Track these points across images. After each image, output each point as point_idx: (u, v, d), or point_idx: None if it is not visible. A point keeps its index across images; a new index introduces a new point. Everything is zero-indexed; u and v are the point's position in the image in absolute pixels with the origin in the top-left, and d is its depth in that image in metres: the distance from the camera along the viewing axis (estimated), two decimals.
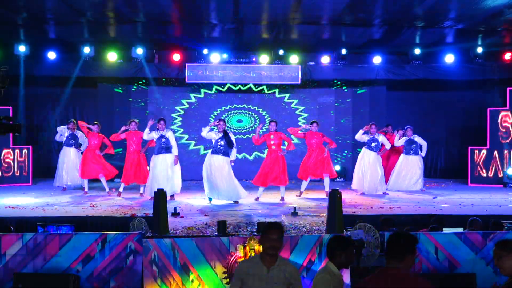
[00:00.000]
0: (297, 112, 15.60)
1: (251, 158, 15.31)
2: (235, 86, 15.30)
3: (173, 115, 15.37)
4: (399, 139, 12.67)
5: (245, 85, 15.26)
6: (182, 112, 15.47)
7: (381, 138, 12.10)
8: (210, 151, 10.85)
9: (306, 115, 15.48)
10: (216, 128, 10.89)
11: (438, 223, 7.45)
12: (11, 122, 5.79)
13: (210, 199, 10.75)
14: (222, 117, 14.43)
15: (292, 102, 15.56)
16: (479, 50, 14.11)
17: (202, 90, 15.36)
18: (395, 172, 12.77)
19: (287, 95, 15.52)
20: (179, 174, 11.29)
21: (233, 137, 10.91)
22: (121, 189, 11.66)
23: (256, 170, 11.57)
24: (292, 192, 11.90)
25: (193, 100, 15.43)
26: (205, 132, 10.77)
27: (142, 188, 11.66)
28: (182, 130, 15.39)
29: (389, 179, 12.73)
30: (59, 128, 12.72)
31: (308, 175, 11.67)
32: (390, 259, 3.61)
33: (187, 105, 15.47)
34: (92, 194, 11.83)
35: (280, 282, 4.24)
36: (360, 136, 12.15)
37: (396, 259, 3.57)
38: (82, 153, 12.37)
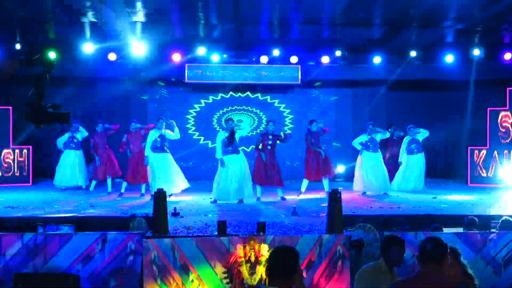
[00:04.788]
0: (289, 113, 15.64)
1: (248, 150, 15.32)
2: (236, 94, 15.46)
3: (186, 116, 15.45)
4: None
5: (244, 91, 15.40)
6: (187, 113, 15.51)
7: (378, 136, 12.09)
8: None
9: (291, 116, 15.58)
10: (225, 126, 10.94)
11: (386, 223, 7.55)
12: (57, 111, 5.39)
13: (214, 200, 10.74)
14: (227, 117, 14.50)
15: (281, 105, 15.61)
16: (479, 50, 14.10)
17: (211, 97, 15.48)
18: (400, 173, 12.75)
19: (276, 100, 15.57)
20: (181, 172, 11.33)
21: (238, 135, 10.88)
22: (122, 190, 11.67)
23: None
24: (292, 192, 11.91)
25: (203, 104, 15.48)
26: (219, 152, 10.77)
27: (143, 187, 11.67)
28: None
29: (393, 179, 12.72)
30: (59, 142, 12.76)
31: (314, 176, 11.63)
32: (427, 263, 3.62)
33: (191, 107, 15.53)
34: (92, 194, 11.84)
35: None
36: (357, 143, 12.16)
37: (435, 263, 3.59)
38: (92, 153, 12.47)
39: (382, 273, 4.58)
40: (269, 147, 11.16)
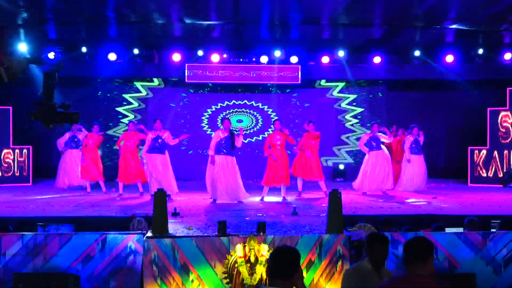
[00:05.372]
0: (299, 110, 15.67)
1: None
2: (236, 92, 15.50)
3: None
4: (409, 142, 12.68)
5: (244, 91, 15.43)
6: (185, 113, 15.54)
7: (381, 136, 12.09)
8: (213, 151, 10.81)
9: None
10: (222, 127, 10.91)
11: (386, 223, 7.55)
12: (67, 111, 5.23)
13: (214, 199, 10.74)
14: (226, 116, 14.53)
15: (305, 97, 15.52)
16: (479, 50, 14.10)
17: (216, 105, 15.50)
18: (405, 173, 12.71)
19: (299, 88, 15.50)
20: (172, 174, 11.28)
21: (239, 139, 10.84)
22: (120, 190, 11.64)
23: (258, 168, 11.57)
24: (292, 192, 11.90)
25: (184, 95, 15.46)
26: (212, 147, 10.74)
27: (140, 186, 11.65)
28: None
29: (399, 180, 12.69)
30: (59, 142, 12.75)
31: (303, 175, 11.60)
32: (413, 263, 3.60)
33: (185, 105, 15.54)
34: (92, 194, 11.84)
35: None
36: (362, 145, 12.14)
37: (420, 263, 3.58)
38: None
39: (367, 273, 4.57)
40: (278, 147, 11.16)
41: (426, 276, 3.54)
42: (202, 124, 15.54)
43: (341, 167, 15.09)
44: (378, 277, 4.56)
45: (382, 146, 12.12)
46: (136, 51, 14.09)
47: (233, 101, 15.59)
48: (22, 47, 13.37)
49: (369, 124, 12.39)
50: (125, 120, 14.87)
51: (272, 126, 11.64)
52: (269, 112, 15.56)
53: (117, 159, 12.55)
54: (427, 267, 3.57)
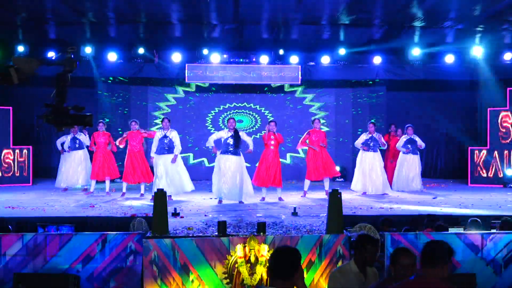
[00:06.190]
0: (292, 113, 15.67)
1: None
2: (236, 93, 15.48)
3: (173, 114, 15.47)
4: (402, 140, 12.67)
5: (244, 91, 15.42)
6: (185, 112, 15.54)
7: (378, 137, 12.08)
8: (219, 151, 10.79)
9: (321, 113, 15.56)
10: (226, 127, 10.91)
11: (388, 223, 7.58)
12: (80, 113, 5.15)
13: (220, 199, 10.71)
14: (229, 116, 14.53)
15: (306, 97, 15.56)
16: (479, 50, 14.11)
17: (193, 85, 15.32)
18: (396, 172, 12.74)
19: (300, 88, 15.48)
20: (186, 173, 11.29)
21: (245, 136, 10.86)
22: (124, 189, 11.63)
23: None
24: (292, 192, 11.91)
25: (182, 95, 15.44)
26: (211, 140, 10.77)
27: (142, 187, 11.65)
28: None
29: (392, 179, 12.70)
30: (58, 141, 12.75)
31: (317, 176, 11.63)
32: (427, 267, 3.59)
33: (188, 105, 15.54)
34: (93, 194, 11.83)
35: None
36: (359, 143, 12.13)
37: (435, 267, 3.57)
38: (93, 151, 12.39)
39: (353, 274, 4.58)
40: (272, 147, 11.16)
41: (439, 280, 3.52)
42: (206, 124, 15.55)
43: (338, 168, 15.06)
44: (364, 277, 4.58)
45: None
46: (136, 51, 14.08)
47: (234, 103, 15.55)
48: (30, 49, 13.43)
49: (372, 121, 12.37)
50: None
51: (268, 125, 11.63)
52: (267, 112, 15.56)
53: (119, 159, 12.56)
54: (441, 272, 3.55)
